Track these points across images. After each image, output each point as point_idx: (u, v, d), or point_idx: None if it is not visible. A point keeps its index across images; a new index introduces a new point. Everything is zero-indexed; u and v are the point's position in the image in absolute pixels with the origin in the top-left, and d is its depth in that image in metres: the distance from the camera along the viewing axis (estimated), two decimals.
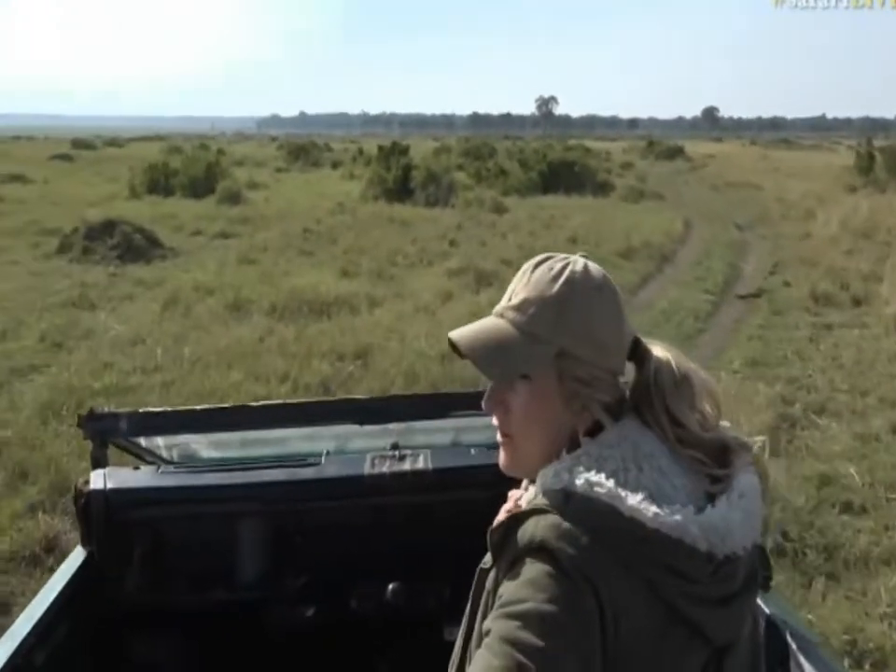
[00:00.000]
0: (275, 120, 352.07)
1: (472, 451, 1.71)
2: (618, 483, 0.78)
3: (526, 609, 0.73)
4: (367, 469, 1.62)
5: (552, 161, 20.57)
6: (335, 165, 29.81)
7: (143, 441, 1.77)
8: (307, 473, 1.64)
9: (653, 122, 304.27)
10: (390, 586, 1.57)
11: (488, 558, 0.88)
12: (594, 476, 0.79)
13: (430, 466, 1.63)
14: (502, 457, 0.93)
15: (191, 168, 18.56)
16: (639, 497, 0.77)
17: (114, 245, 9.91)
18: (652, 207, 16.50)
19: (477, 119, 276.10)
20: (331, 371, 5.41)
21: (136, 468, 1.70)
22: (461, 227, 12.66)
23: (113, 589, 1.57)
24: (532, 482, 0.90)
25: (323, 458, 1.69)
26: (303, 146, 35.13)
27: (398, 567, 1.60)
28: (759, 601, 1.10)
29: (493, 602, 0.81)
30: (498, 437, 0.93)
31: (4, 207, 15.24)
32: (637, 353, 0.90)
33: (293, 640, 1.66)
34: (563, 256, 0.90)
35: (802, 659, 1.13)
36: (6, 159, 30.64)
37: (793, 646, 1.16)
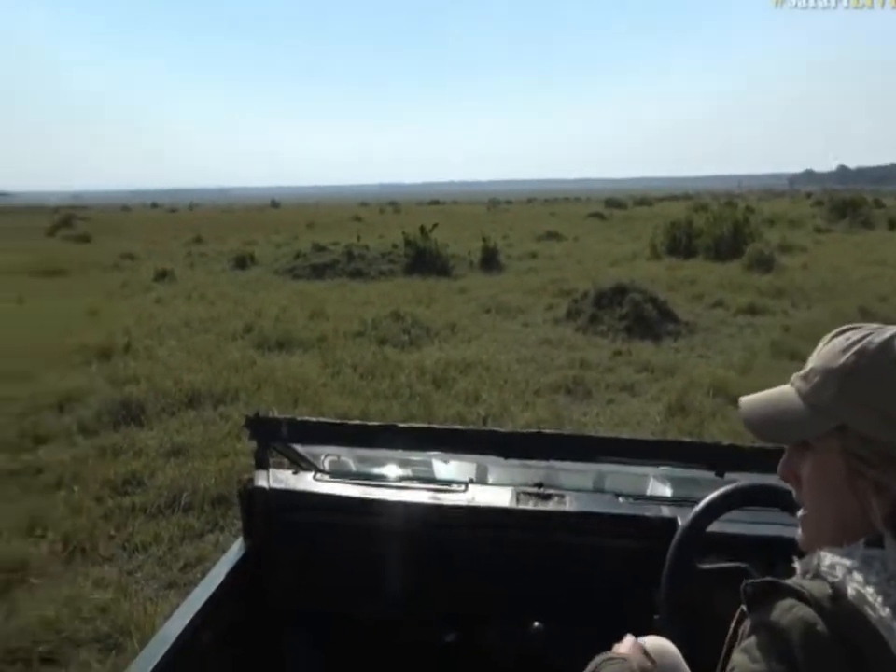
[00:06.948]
0: (810, 176, 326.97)
1: (620, 499, 1.67)
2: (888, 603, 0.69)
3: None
4: (511, 504, 1.64)
5: None
6: (893, 225, 24.28)
7: (299, 448, 1.85)
8: (453, 499, 1.67)
9: None
10: (535, 624, 1.58)
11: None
12: (866, 589, 0.71)
13: (576, 509, 1.62)
14: (799, 533, 0.88)
15: (716, 227, 16.95)
16: None
17: (623, 314, 8.81)
18: None
19: None
20: None
21: (295, 472, 1.82)
22: None
23: (266, 584, 1.70)
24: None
25: (467, 486, 1.72)
26: (851, 200, 29.87)
27: (536, 604, 1.60)
28: None
29: (735, 645, 0.79)
30: (799, 512, 0.87)
31: (535, 263, 16.08)
32: None
33: (427, 662, 1.66)
34: (872, 326, 0.82)
35: None
36: (550, 217, 34.38)
37: None
